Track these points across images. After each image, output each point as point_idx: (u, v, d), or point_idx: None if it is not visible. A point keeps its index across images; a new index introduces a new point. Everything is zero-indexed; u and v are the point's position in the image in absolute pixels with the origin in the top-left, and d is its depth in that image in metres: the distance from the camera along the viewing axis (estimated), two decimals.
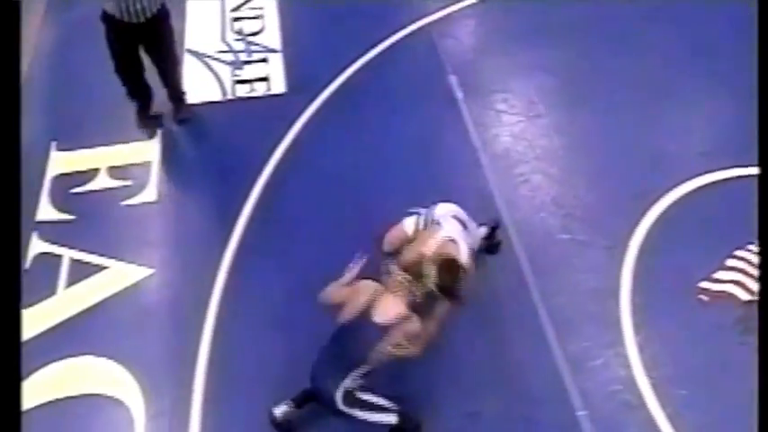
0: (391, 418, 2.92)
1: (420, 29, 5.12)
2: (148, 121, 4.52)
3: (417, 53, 4.91)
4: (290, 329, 3.58)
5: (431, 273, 2.92)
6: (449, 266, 2.91)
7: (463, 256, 3.09)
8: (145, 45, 4.21)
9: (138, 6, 3.95)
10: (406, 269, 3.04)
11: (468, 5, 5.40)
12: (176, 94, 4.50)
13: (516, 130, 4.52)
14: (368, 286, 2.94)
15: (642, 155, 4.37)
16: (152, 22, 4.05)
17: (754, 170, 4.08)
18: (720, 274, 3.78)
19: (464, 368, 3.43)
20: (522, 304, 3.68)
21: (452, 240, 3.15)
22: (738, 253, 3.85)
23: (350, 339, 2.86)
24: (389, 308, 2.83)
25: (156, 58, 4.29)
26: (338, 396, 2.84)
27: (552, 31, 5.12)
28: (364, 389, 2.90)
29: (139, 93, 4.45)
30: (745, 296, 3.70)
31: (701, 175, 4.20)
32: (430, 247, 3.09)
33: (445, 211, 3.35)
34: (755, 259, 3.80)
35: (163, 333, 3.65)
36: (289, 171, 4.28)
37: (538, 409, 3.32)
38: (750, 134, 4.21)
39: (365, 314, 2.85)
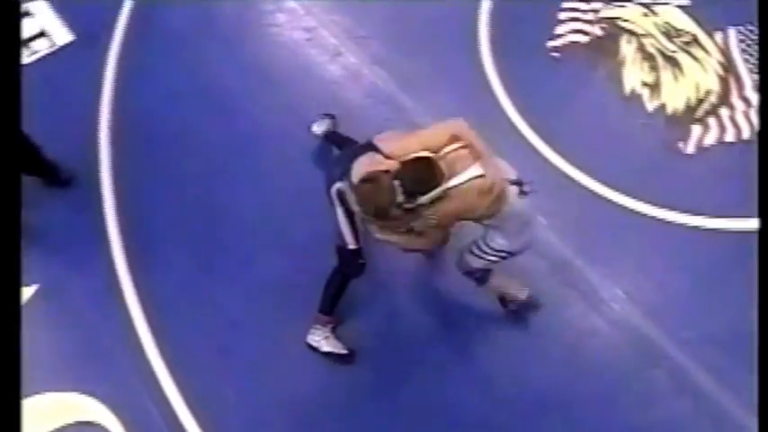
0: (351, 243, 2.89)
1: None
2: None
3: None
4: (215, 274, 3.42)
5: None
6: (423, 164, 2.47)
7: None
8: None
9: None
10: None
11: None
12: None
13: None
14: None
15: None
16: None
17: None
18: (559, 29, 4.12)
19: None
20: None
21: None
22: (565, 4, 4.18)
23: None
24: (362, 167, 2.60)
25: None
26: (340, 181, 2.73)
27: None
28: None
29: None
30: (584, 39, 4.09)
31: None
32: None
33: None
34: (583, 5, 4.17)
35: (87, 334, 3.29)
36: (127, 132, 3.80)
37: None
38: None
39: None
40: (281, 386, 3.16)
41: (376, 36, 4.15)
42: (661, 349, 3.15)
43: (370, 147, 2.71)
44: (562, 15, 4.16)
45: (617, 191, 3.58)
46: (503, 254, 2.76)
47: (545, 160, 3.69)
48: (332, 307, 3.13)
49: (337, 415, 3.10)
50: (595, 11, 4.15)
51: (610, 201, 3.56)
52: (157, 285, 3.39)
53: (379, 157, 2.61)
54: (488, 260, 2.80)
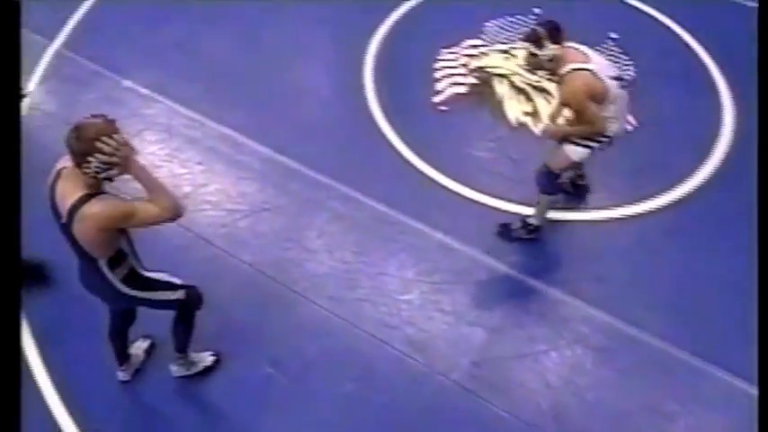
0: (177, 294, 2.81)
1: None
2: None
3: None
4: None
5: None
6: None
7: None
8: None
9: None
10: None
11: None
12: None
13: None
14: (53, 171, 2.46)
15: None
16: None
17: None
18: (439, 85, 4.58)
19: None
20: None
21: None
22: (438, 64, 4.67)
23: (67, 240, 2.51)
24: (66, 193, 2.38)
25: None
26: (118, 284, 2.60)
27: None
28: (143, 269, 2.72)
29: None
30: (463, 89, 4.57)
31: None
32: None
33: None
34: (454, 57, 4.68)
35: None
36: None
37: None
38: None
39: (53, 208, 2.44)
40: None
41: (275, 129, 4.38)
42: (619, 329, 3.37)
43: None
44: (438, 73, 4.64)
45: (528, 205, 3.87)
46: (605, 139, 3.31)
47: (461, 197, 3.97)
48: (186, 345, 3.10)
49: None
50: (465, 64, 4.68)
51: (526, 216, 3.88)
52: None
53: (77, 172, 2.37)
54: (591, 147, 3.34)
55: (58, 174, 2.41)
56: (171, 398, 3.16)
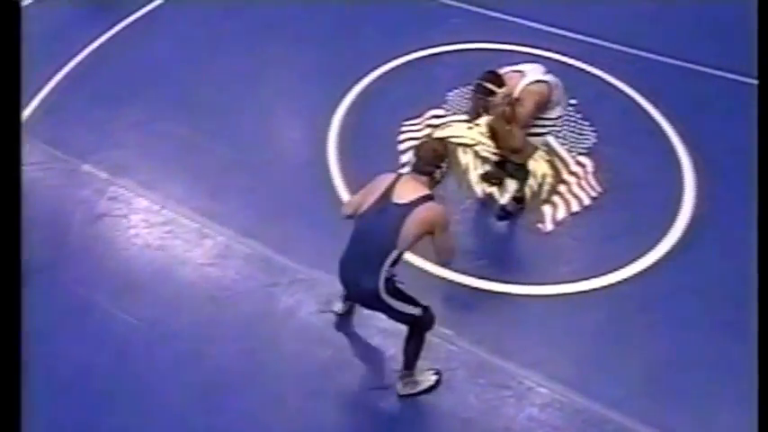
0: (416, 311, 3.08)
1: None
2: None
3: None
4: None
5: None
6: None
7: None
8: None
9: None
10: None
11: None
12: None
13: None
14: (385, 177, 2.99)
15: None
16: None
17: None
18: (403, 158, 4.54)
19: None
20: None
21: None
22: (403, 135, 4.67)
23: (373, 228, 2.90)
24: (409, 189, 2.89)
25: None
26: (381, 285, 2.90)
27: None
28: (398, 280, 3.04)
29: None
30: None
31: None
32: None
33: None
34: (417, 128, 4.68)
35: None
36: None
37: None
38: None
39: (385, 197, 2.90)
40: None
41: (237, 210, 4.28)
42: (601, 415, 3.24)
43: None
44: (402, 145, 4.62)
45: (499, 281, 3.81)
46: (559, 120, 3.78)
47: (429, 274, 3.87)
48: (414, 363, 3.25)
49: None
50: (428, 135, 4.67)
51: (497, 292, 3.78)
52: None
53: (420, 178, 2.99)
54: (549, 129, 3.79)
55: (397, 178, 2.97)
56: None
